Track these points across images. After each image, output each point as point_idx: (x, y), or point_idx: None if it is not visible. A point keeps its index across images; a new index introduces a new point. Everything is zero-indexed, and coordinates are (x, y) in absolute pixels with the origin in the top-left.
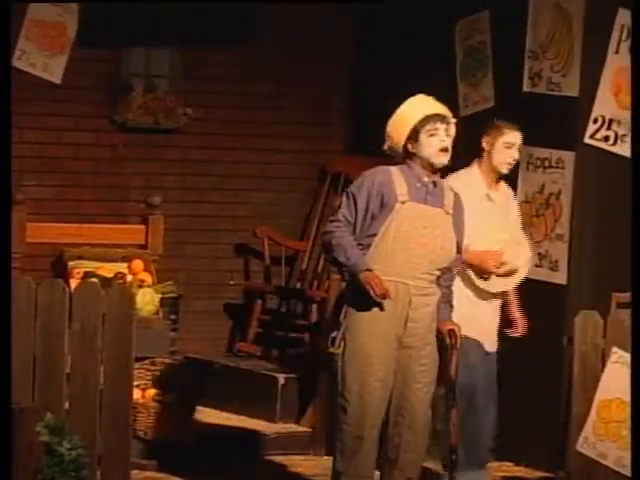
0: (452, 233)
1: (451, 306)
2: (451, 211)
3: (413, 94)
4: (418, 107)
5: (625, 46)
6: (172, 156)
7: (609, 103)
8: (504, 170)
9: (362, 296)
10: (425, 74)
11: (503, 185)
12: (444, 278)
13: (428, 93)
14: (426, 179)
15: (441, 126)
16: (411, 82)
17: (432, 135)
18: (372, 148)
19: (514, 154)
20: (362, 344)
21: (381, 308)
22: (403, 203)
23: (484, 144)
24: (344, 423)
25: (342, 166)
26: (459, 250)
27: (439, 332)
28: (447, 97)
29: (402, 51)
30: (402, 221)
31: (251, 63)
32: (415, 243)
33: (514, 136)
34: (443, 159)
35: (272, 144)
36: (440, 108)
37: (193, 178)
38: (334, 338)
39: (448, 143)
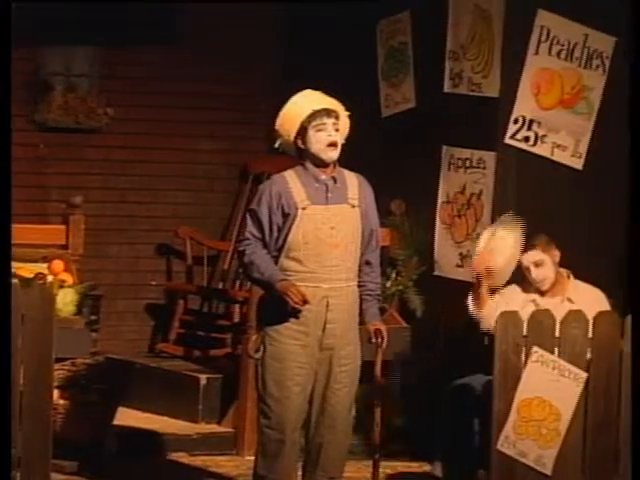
0: (361, 226)
1: (378, 302)
2: (357, 202)
3: (336, 94)
4: (304, 103)
5: (544, 47)
6: (93, 156)
7: (529, 104)
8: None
9: (280, 301)
10: (348, 74)
11: None
12: (366, 273)
13: (351, 93)
14: (324, 177)
15: (329, 121)
16: (334, 82)
17: (320, 130)
18: None
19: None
20: (281, 348)
21: (297, 316)
22: (304, 209)
23: None
24: (265, 427)
25: (264, 166)
26: (376, 240)
27: (366, 332)
28: (369, 97)
29: (325, 51)
30: (307, 226)
31: (173, 63)
32: (326, 246)
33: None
34: (332, 154)
35: (194, 144)
36: (328, 102)
37: (114, 178)
38: (254, 343)
39: (337, 138)
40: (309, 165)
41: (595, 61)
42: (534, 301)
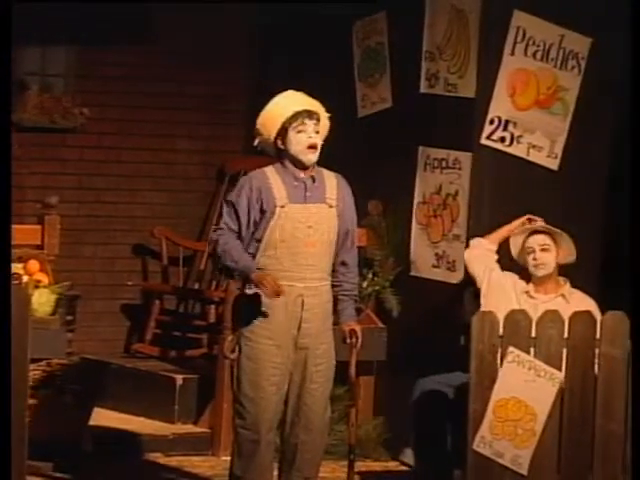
0: (337, 226)
1: (354, 302)
2: (334, 202)
3: (312, 94)
4: (286, 103)
5: (520, 48)
6: (69, 156)
7: (505, 104)
8: None
9: (255, 301)
10: (325, 74)
11: None
12: (342, 273)
13: (328, 93)
14: (303, 176)
15: (309, 122)
16: (312, 82)
17: (300, 132)
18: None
19: None
20: (256, 349)
21: (272, 316)
22: (283, 207)
23: None
24: (240, 427)
25: (240, 166)
26: (352, 240)
27: (341, 332)
28: (346, 97)
29: (302, 51)
30: (285, 225)
31: (149, 63)
32: (302, 245)
33: None
34: (311, 156)
35: (170, 144)
36: (309, 104)
37: (90, 178)
38: (229, 343)
39: (316, 140)
40: (288, 164)
41: (571, 62)
42: (527, 292)
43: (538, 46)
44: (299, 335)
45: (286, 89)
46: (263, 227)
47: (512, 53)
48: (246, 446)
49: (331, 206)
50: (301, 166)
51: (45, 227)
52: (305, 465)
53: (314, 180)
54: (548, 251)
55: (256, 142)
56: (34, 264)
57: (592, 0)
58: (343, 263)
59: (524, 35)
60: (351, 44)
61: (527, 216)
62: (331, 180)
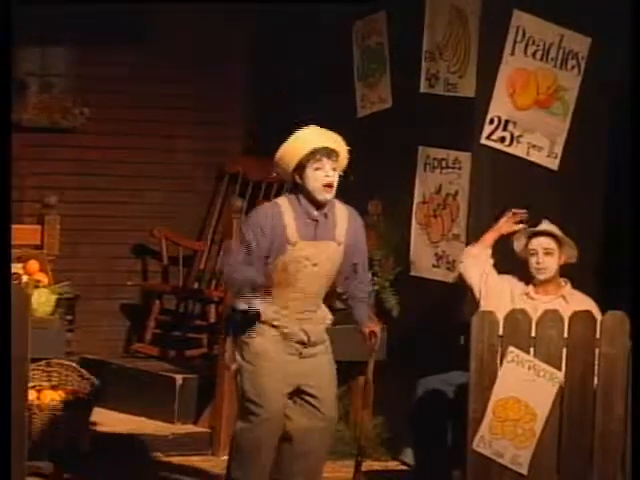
0: (341, 260)
1: (367, 306)
2: (343, 239)
3: (312, 94)
4: (307, 139)
5: (520, 47)
6: (69, 156)
7: (505, 104)
8: None
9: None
10: (325, 74)
11: None
12: (352, 283)
13: (326, 93)
14: (316, 213)
15: (327, 160)
16: (311, 83)
17: (318, 169)
18: (270, 148)
19: None
20: (258, 355)
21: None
22: (294, 245)
23: None
24: (243, 431)
25: (240, 166)
26: (363, 267)
27: (361, 334)
28: (345, 98)
29: (302, 52)
30: (292, 261)
31: (149, 63)
32: (304, 282)
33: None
34: (327, 195)
35: (170, 144)
36: (330, 141)
37: (90, 178)
38: (229, 354)
39: (333, 179)
40: (303, 200)
41: (570, 61)
42: (527, 294)
43: (538, 46)
44: (304, 348)
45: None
46: (272, 259)
47: (512, 53)
48: (248, 451)
49: (340, 243)
50: (316, 203)
51: (45, 227)
52: (310, 470)
53: (326, 216)
54: (551, 255)
55: (274, 174)
56: (34, 264)
57: (592, 0)
58: (354, 272)
59: (524, 35)
60: (350, 44)
61: (512, 210)
62: (342, 215)
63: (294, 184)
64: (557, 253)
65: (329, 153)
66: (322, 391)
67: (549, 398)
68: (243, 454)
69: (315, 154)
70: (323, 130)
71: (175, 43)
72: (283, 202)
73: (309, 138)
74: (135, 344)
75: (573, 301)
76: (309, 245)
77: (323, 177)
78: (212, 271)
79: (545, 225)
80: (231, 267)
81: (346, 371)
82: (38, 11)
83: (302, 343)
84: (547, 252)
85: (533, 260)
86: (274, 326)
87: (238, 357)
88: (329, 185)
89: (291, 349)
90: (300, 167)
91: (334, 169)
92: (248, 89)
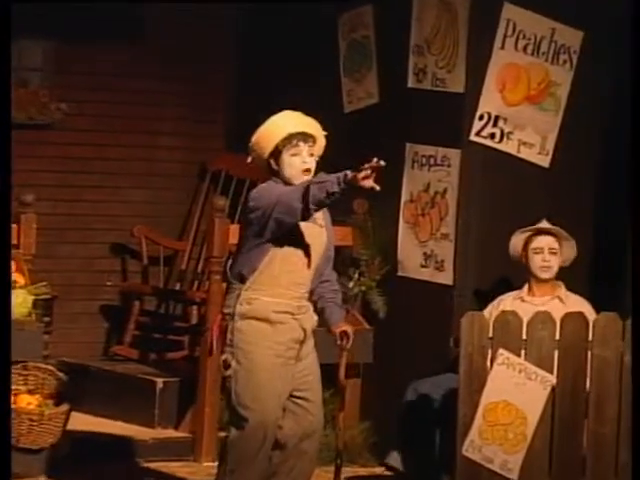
0: (326, 246)
1: (340, 307)
2: (323, 222)
3: (298, 90)
4: (282, 124)
5: (510, 42)
6: (46, 152)
7: (495, 100)
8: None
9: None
10: (310, 70)
11: None
12: (322, 286)
13: (313, 88)
14: None
15: (304, 146)
16: (296, 78)
17: (294, 155)
18: None
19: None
20: (254, 361)
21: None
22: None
23: None
24: (237, 439)
25: (223, 164)
26: (331, 257)
27: (333, 334)
28: (331, 93)
29: (286, 47)
30: (286, 242)
31: (130, 58)
32: (301, 265)
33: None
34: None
35: (151, 141)
36: (306, 125)
37: (67, 175)
38: (225, 361)
39: (311, 164)
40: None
41: (562, 56)
42: (521, 298)
43: (529, 40)
44: (297, 344)
45: (271, 85)
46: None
47: (502, 47)
48: (245, 457)
49: (321, 226)
50: None
51: (21, 226)
52: (302, 475)
53: None
54: (555, 254)
55: (249, 160)
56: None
57: None
58: (324, 279)
59: (514, 28)
60: (336, 39)
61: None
62: None
63: (270, 170)
64: (559, 253)
65: (306, 138)
66: (312, 393)
67: (540, 402)
68: (237, 464)
69: (291, 139)
70: (300, 114)
71: (158, 40)
72: (269, 184)
73: (285, 122)
74: (114, 346)
75: (569, 302)
76: (301, 227)
77: (300, 163)
78: (194, 271)
79: (548, 225)
80: (284, 201)
81: (332, 374)
82: (16, 3)
83: (300, 342)
84: (552, 251)
85: (538, 258)
86: (271, 322)
87: (233, 362)
88: (307, 170)
89: (290, 352)
90: (276, 152)
91: (311, 155)
92: (231, 86)
